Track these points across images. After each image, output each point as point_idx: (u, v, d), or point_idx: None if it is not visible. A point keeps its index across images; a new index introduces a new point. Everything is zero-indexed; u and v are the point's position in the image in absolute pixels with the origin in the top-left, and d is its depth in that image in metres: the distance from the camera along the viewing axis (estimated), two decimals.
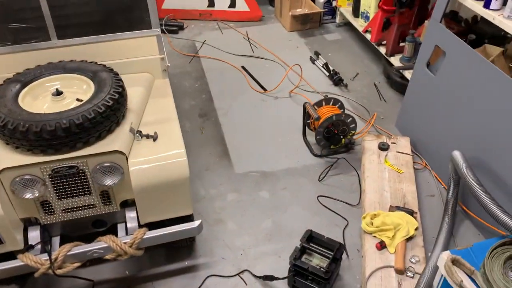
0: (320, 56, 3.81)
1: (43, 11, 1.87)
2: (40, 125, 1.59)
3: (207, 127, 3.12)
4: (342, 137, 2.77)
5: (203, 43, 4.12)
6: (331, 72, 3.56)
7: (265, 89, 3.48)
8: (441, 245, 2.12)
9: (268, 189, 2.62)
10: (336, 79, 3.50)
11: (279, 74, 3.65)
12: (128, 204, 1.91)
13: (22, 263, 1.76)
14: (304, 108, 2.82)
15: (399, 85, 3.33)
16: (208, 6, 4.48)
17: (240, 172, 2.75)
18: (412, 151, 2.73)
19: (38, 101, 1.81)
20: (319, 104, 2.83)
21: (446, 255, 1.74)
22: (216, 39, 4.19)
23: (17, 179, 1.65)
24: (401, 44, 3.37)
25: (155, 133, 1.86)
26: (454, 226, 2.33)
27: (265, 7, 4.75)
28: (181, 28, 4.38)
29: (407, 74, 3.18)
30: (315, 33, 4.29)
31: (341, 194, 2.58)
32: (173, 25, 4.34)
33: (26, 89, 1.81)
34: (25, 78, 1.85)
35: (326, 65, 3.63)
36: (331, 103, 2.84)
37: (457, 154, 2.13)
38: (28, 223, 1.84)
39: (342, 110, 2.84)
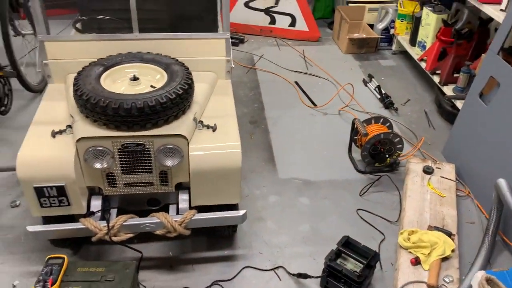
0: (373, 79, 3.90)
1: (130, 8, 2.11)
2: (118, 103, 1.79)
3: (257, 133, 3.28)
4: (387, 156, 2.84)
5: (261, 57, 4.32)
6: (383, 95, 3.65)
7: (315, 105, 3.61)
8: (477, 268, 2.13)
9: (309, 196, 2.72)
10: (387, 102, 3.58)
11: (330, 92, 3.78)
12: (182, 186, 2.07)
13: (83, 226, 1.95)
14: (353, 124, 2.92)
15: (449, 114, 3.36)
16: (269, 23, 4.70)
17: (283, 177, 2.87)
18: (456, 178, 2.75)
19: (117, 83, 2.03)
20: (368, 121, 2.92)
21: (481, 274, 1.77)
22: (273, 55, 4.38)
23: (91, 149, 1.86)
24: (455, 75, 3.41)
25: (215, 124, 2.02)
26: (492, 255, 2.33)
27: (323, 29, 4.92)
28: (242, 41, 4.61)
29: (459, 104, 3.21)
30: (370, 58, 4.40)
31: (381, 210, 2.63)
32: (235, 38, 4.58)
33: (107, 72, 2.04)
34: (107, 63, 2.08)
35: (378, 88, 3.72)
36: (380, 122, 2.92)
37: (502, 182, 2.16)
38: (92, 192, 2.04)
39: (390, 130, 2.91)
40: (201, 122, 2.02)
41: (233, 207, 2.12)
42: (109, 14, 2.48)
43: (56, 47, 2.16)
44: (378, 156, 2.85)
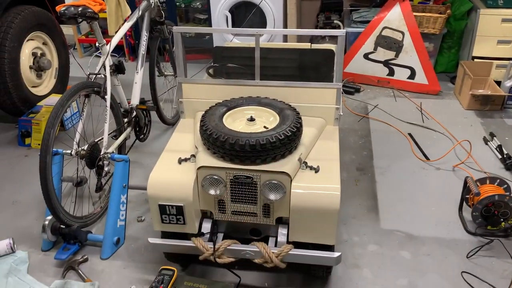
0: (495, 138, 3.69)
1: (255, 60, 2.41)
2: (235, 139, 2.05)
3: (362, 180, 3.31)
4: (502, 220, 2.66)
5: (375, 106, 4.38)
6: (504, 156, 3.42)
7: (428, 158, 3.53)
8: None
9: (410, 250, 2.66)
10: (509, 164, 3.35)
11: (445, 147, 3.66)
12: (282, 221, 2.22)
13: (193, 245, 2.21)
14: (465, 182, 2.81)
15: None
16: (387, 74, 4.76)
17: (385, 228, 2.85)
18: None
19: (236, 122, 2.31)
20: (482, 181, 2.79)
21: None
22: (388, 105, 4.41)
23: (208, 176, 2.13)
24: None
25: (318, 166, 2.17)
26: None
27: (445, 83, 4.81)
28: (358, 90, 4.73)
29: None
30: (494, 115, 4.16)
31: (489, 276, 2.46)
32: (350, 87, 4.73)
33: (229, 112, 2.33)
34: (230, 104, 2.38)
35: (499, 147, 3.51)
36: (496, 183, 2.77)
37: None
38: (204, 215, 2.31)
39: (507, 193, 2.73)
40: (305, 163, 2.18)
41: (330, 248, 2.20)
42: (237, 62, 2.83)
43: (191, 88, 2.55)
44: (491, 218, 2.68)
